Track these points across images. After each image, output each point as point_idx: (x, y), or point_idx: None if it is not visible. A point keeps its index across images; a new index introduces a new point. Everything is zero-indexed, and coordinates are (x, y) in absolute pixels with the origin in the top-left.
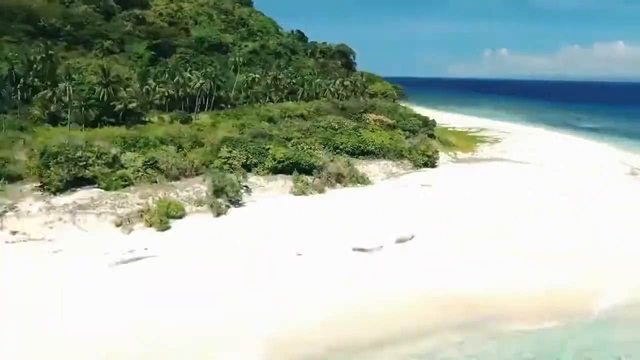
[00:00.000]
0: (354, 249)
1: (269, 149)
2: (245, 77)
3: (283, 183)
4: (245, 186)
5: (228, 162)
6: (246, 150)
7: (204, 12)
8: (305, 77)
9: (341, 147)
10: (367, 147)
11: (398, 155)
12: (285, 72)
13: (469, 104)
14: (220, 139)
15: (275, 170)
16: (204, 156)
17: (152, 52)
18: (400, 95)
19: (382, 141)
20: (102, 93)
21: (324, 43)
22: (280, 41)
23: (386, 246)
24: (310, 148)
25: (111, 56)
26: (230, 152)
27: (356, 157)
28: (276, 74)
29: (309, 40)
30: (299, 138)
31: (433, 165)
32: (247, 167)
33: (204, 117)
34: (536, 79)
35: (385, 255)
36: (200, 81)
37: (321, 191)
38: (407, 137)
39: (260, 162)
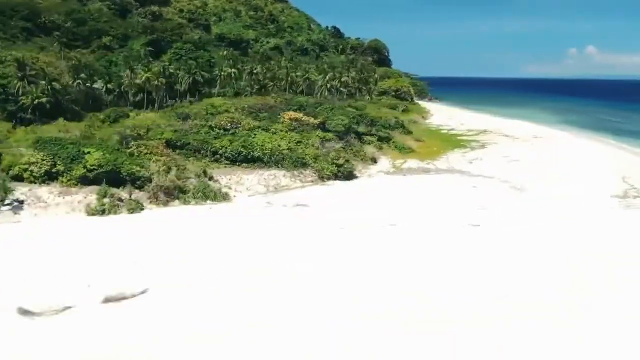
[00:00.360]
0: (20, 311)
1: (87, 152)
2: (219, 71)
3: (82, 198)
4: (21, 201)
5: (29, 169)
6: (55, 155)
7: (231, 9)
8: (279, 71)
9: (220, 152)
10: (253, 153)
11: (299, 163)
12: (278, 68)
13: (513, 104)
14: (34, 139)
15: (86, 181)
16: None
17: (150, 48)
18: (421, 92)
19: (278, 145)
20: (17, 87)
21: (357, 39)
22: (309, 37)
23: (81, 307)
24: (151, 152)
25: (77, 50)
26: (32, 156)
27: (238, 165)
28: (252, 68)
29: (346, 37)
30: (139, 142)
31: (348, 177)
32: (53, 176)
33: (147, 115)
34: (627, 78)
35: (62, 323)
36: (147, 75)
37: (133, 210)
38: (328, 141)
39: (68, 170)
